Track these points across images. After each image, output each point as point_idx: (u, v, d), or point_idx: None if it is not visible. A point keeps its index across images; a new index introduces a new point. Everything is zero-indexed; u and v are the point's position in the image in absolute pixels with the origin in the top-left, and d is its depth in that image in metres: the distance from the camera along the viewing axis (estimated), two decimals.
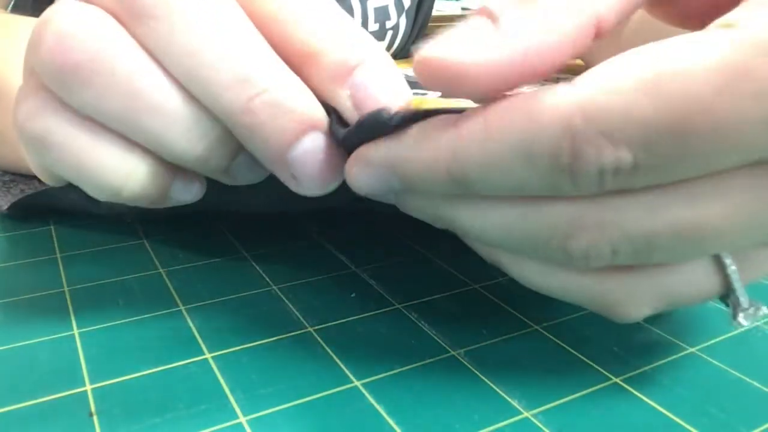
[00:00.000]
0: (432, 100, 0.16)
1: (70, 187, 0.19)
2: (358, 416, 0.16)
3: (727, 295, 0.15)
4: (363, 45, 0.16)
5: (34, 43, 0.17)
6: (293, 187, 0.17)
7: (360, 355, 0.18)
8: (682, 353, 0.19)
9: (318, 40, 0.16)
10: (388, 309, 0.21)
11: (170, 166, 0.18)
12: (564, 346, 0.19)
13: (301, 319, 0.20)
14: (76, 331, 0.19)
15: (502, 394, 0.17)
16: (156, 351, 0.18)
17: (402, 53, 0.62)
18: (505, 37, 0.13)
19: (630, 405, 0.16)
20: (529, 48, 0.13)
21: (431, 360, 0.18)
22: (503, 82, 0.13)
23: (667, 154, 0.12)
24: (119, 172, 0.17)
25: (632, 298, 0.15)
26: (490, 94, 0.13)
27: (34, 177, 0.31)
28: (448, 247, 0.24)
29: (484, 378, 0.17)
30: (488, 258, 0.17)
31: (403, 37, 0.61)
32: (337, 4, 0.17)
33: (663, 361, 0.18)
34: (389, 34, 0.59)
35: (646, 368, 0.18)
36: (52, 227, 0.27)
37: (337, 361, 0.18)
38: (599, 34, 0.14)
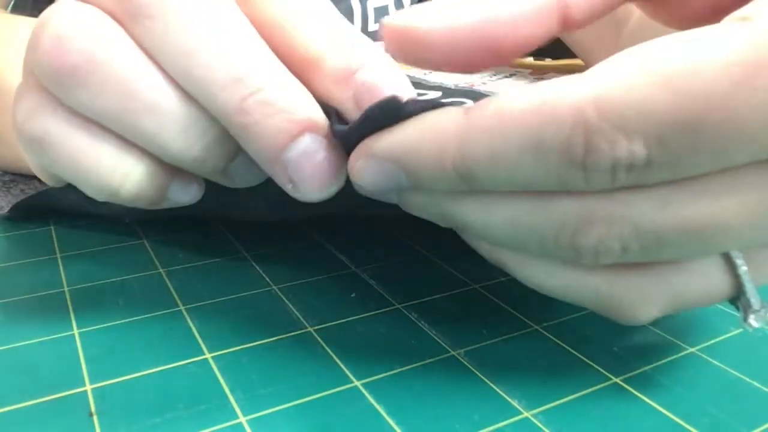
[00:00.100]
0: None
1: (70, 188, 0.19)
2: (358, 416, 0.16)
3: (737, 296, 0.15)
4: (365, 47, 0.16)
5: (32, 45, 0.17)
6: (291, 191, 0.16)
7: (360, 355, 0.18)
8: (682, 353, 0.19)
9: (319, 44, 0.16)
10: (388, 309, 0.21)
11: (168, 167, 0.18)
12: (564, 346, 0.19)
13: (301, 319, 0.20)
14: (76, 331, 0.19)
15: (502, 394, 0.17)
16: (156, 351, 0.18)
17: None
18: (462, 8, 0.14)
19: (630, 405, 0.16)
20: (485, 19, 0.14)
21: (431, 360, 0.18)
22: (461, 49, 0.14)
23: (682, 148, 0.12)
24: (116, 172, 0.17)
25: (641, 299, 0.15)
26: (452, 64, 0.14)
27: (34, 177, 0.31)
28: (448, 247, 0.24)
29: (484, 378, 0.17)
30: (491, 258, 0.16)
31: None
32: (335, 8, 0.17)
33: (663, 361, 0.18)
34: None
35: (646, 368, 0.18)
36: (52, 227, 0.27)
37: (337, 361, 0.18)
38: (569, 23, 0.15)
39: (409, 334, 0.19)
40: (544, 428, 0.15)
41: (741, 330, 0.20)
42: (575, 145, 0.12)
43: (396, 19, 0.14)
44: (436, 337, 0.19)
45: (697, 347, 0.19)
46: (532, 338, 0.19)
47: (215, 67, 0.16)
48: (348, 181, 0.17)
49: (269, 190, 0.18)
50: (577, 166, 0.12)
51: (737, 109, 0.11)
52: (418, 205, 0.16)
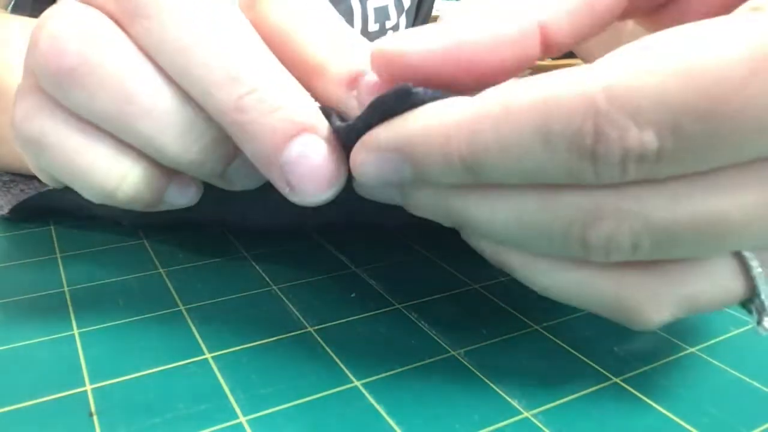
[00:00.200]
0: None
1: (69, 188, 0.19)
2: (358, 416, 0.16)
3: (750, 299, 0.15)
4: (365, 51, 0.16)
5: (31, 46, 0.17)
6: (289, 195, 0.16)
7: (360, 355, 0.18)
8: (682, 353, 0.19)
9: (324, 49, 0.17)
10: (388, 309, 0.21)
11: (165, 169, 0.18)
12: (564, 346, 0.19)
13: (301, 319, 0.20)
14: (76, 331, 0.19)
15: (502, 394, 0.17)
16: (156, 351, 0.18)
17: None
18: (441, 32, 0.14)
19: (630, 405, 0.16)
20: (461, 41, 0.14)
21: (431, 360, 0.18)
22: (440, 69, 0.14)
23: (694, 138, 0.11)
24: (113, 174, 0.17)
25: (651, 300, 0.14)
26: (435, 85, 0.14)
27: (34, 177, 0.31)
28: (448, 247, 0.24)
29: (484, 378, 0.17)
30: (496, 260, 0.16)
31: None
32: (335, 11, 0.18)
33: (663, 361, 0.18)
34: (389, 34, 0.59)
35: (646, 368, 0.18)
36: (52, 227, 0.27)
37: (337, 361, 0.18)
38: (549, 44, 0.15)
39: (409, 334, 0.19)
40: (544, 428, 0.15)
41: (741, 330, 0.20)
42: (585, 133, 0.12)
43: (381, 44, 0.15)
44: (436, 337, 0.19)
45: (697, 347, 0.19)
46: (532, 338, 0.19)
47: (212, 66, 0.16)
48: (347, 187, 0.16)
49: (267, 197, 0.18)
50: (586, 155, 0.12)
51: (752, 98, 0.11)
52: (422, 203, 0.16)
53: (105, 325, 0.19)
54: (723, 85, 0.11)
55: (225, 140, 0.17)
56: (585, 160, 0.12)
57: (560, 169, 0.12)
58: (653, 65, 0.11)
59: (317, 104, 0.17)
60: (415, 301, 0.21)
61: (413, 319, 0.20)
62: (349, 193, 0.17)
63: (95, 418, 0.15)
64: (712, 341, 0.19)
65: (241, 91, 0.15)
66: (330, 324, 0.20)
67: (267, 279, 0.22)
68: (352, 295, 0.21)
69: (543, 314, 0.20)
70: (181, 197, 0.19)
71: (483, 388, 0.17)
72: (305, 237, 0.26)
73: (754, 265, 0.14)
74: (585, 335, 0.19)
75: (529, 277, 0.15)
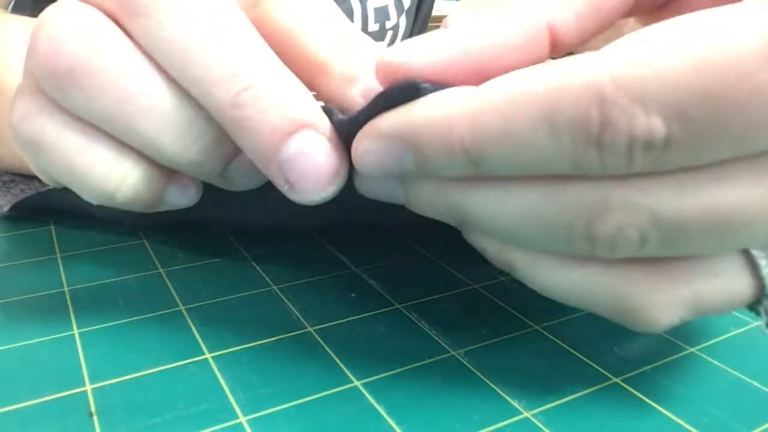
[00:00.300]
0: None
1: (68, 189, 0.19)
2: (358, 416, 0.16)
3: (759, 301, 0.14)
4: (370, 48, 0.16)
5: (30, 47, 0.17)
6: (288, 193, 0.16)
7: (360, 355, 0.18)
8: (682, 353, 0.19)
9: (327, 49, 0.17)
10: (388, 309, 0.21)
11: (165, 170, 0.18)
12: (564, 346, 0.19)
13: (301, 319, 0.20)
14: (76, 331, 0.19)
15: (502, 394, 0.17)
16: (156, 351, 0.18)
17: None
18: (446, 40, 0.14)
19: (630, 405, 0.16)
20: (469, 49, 0.14)
21: (431, 360, 0.18)
22: (449, 78, 0.14)
23: (702, 126, 0.11)
24: (112, 175, 0.17)
25: (657, 299, 0.14)
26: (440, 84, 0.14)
27: (34, 177, 0.31)
28: (448, 247, 0.24)
29: (484, 378, 0.17)
30: (498, 260, 0.16)
31: (403, 38, 0.61)
32: (338, 9, 0.18)
33: (663, 361, 0.18)
34: (389, 34, 0.59)
35: (647, 368, 0.18)
36: (52, 227, 0.27)
37: (337, 361, 0.18)
38: (558, 44, 0.15)
39: (409, 334, 0.19)
40: (544, 428, 0.15)
41: (741, 330, 0.20)
42: (591, 121, 0.11)
43: (385, 56, 0.14)
44: (436, 337, 0.19)
45: (697, 347, 0.19)
46: (532, 338, 0.19)
47: (211, 63, 0.16)
48: (348, 185, 0.16)
49: (268, 197, 0.18)
50: (592, 143, 0.12)
51: (762, 85, 0.11)
52: (424, 198, 0.15)
53: (105, 325, 0.19)
54: (732, 72, 0.11)
55: (225, 140, 0.17)
56: (591, 149, 0.12)
57: (565, 159, 0.12)
58: (662, 51, 0.11)
59: (319, 102, 0.16)
60: (415, 301, 0.21)
61: (413, 319, 0.20)
62: (349, 192, 0.17)
63: (95, 418, 0.15)
64: (713, 341, 0.19)
65: (238, 87, 0.15)
66: (330, 324, 0.20)
67: (267, 279, 0.22)
68: (352, 295, 0.21)
69: (543, 314, 0.20)
70: (181, 197, 0.19)
71: (483, 388, 0.17)
72: (305, 237, 0.26)
73: (763, 264, 0.14)
74: (585, 335, 0.19)
75: (531, 276, 0.15)
